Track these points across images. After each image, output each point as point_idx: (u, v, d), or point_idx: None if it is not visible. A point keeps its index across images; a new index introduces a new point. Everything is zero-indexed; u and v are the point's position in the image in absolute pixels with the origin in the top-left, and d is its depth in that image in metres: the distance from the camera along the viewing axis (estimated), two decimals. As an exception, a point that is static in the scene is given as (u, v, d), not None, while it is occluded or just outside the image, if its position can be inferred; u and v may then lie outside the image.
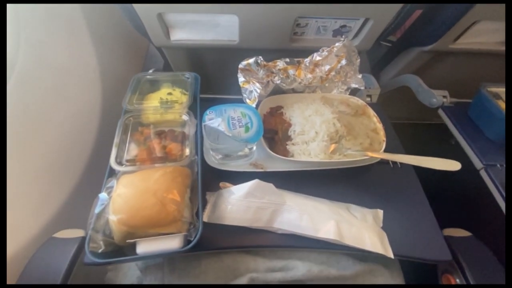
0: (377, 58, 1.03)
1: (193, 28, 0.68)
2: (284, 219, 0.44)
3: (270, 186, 0.45)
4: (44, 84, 0.59)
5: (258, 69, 0.54)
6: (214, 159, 0.51)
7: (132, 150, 0.48)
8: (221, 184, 0.48)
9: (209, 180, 0.50)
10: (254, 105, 0.53)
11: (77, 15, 0.69)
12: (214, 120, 0.46)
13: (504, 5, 0.58)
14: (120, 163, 0.44)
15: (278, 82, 0.54)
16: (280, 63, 0.55)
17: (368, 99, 0.72)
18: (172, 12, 0.62)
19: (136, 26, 0.66)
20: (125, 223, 0.36)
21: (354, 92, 0.75)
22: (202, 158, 0.52)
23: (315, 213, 0.44)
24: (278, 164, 0.51)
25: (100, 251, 0.37)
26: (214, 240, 0.44)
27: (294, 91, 0.60)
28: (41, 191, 0.54)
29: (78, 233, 0.44)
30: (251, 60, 0.53)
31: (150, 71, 0.77)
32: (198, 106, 0.55)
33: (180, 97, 0.59)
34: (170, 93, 0.61)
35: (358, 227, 0.44)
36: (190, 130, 0.52)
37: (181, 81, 0.64)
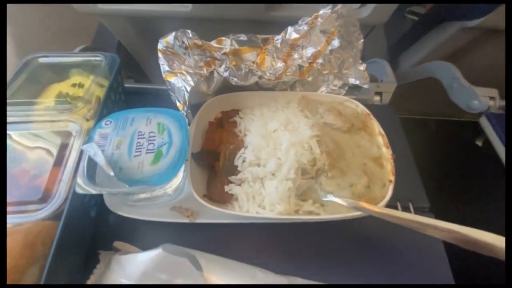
0: (397, 36, 0.77)
1: (123, -14, 0.46)
2: (202, 320, 0.26)
3: (183, 262, 0.27)
4: None
5: (186, 53, 0.32)
6: (111, 200, 0.32)
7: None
8: (115, 244, 0.30)
9: (111, 230, 0.33)
10: (184, 111, 0.33)
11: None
12: (89, 144, 0.27)
13: None
14: None
15: (225, 74, 0.33)
16: (227, 43, 0.34)
17: (377, 98, 0.49)
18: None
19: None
20: None
21: (356, 90, 0.53)
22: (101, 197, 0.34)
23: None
24: (215, 211, 0.32)
25: None
26: None
27: (259, 87, 0.39)
28: None
29: None
30: (170, 37, 0.32)
31: (77, 49, 0.57)
32: (100, 108, 0.35)
33: (94, 90, 0.40)
34: (77, 84, 0.42)
35: None
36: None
37: (98, 65, 0.44)
